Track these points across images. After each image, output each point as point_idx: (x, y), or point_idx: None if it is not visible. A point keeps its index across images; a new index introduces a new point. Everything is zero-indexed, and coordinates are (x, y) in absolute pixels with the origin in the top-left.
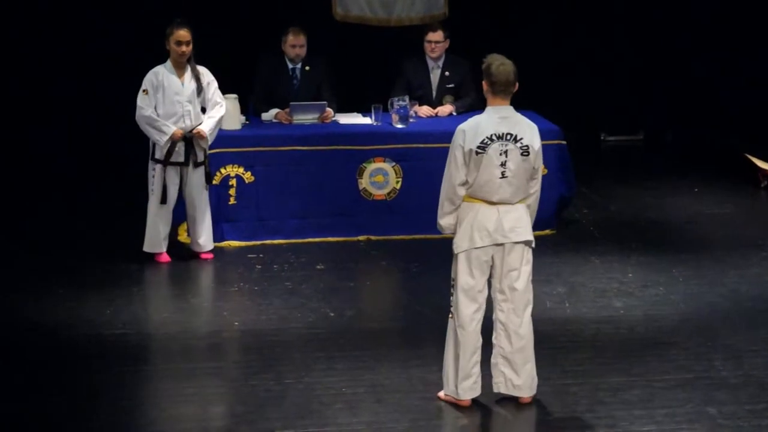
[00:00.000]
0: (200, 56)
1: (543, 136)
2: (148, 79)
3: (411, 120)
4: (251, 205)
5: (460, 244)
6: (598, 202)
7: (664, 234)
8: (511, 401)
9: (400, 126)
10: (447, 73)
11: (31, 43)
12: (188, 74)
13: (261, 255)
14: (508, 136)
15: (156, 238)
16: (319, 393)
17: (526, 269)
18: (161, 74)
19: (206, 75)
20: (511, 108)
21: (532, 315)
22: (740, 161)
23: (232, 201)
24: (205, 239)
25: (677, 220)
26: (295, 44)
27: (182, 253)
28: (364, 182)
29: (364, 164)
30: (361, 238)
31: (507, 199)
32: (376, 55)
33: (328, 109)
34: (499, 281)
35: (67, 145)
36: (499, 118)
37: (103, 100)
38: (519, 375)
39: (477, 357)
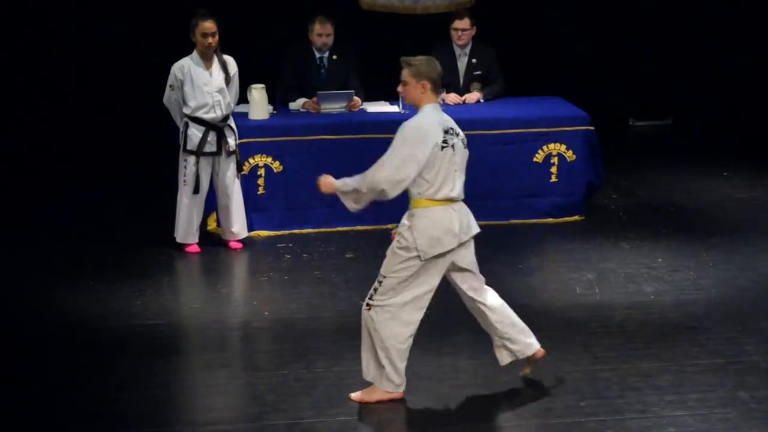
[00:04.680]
0: (228, 46)
1: (571, 122)
2: (173, 74)
3: None
4: (280, 194)
5: (427, 251)
6: (627, 188)
7: (693, 218)
8: (541, 386)
9: None
10: (474, 61)
11: (63, 28)
12: (216, 65)
13: (290, 244)
14: (452, 131)
15: (189, 228)
16: (349, 382)
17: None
18: (187, 67)
19: (233, 65)
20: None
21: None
22: None
23: (260, 191)
24: (238, 227)
25: (707, 205)
26: (321, 33)
27: (211, 243)
28: None
29: None
30: (389, 226)
31: (459, 193)
32: (402, 43)
33: (356, 98)
34: (463, 272)
35: (96, 135)
36: (439, 114)
37: (134, 88)
38: (515, 342)
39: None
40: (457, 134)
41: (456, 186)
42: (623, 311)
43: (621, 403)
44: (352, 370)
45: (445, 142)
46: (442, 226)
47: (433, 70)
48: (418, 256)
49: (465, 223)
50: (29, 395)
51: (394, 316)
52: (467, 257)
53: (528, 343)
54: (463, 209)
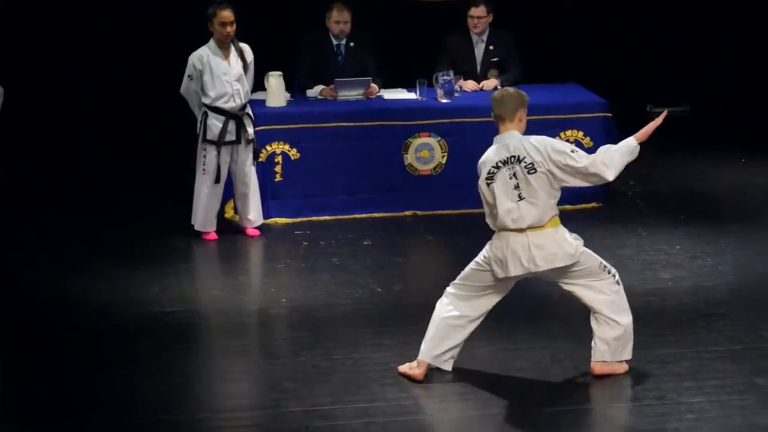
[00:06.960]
0: (245, 34)
1: (589, 109)
2: (191, 64)
3: (456, 94)
4: (297, 181)
5: (497, 271)
6: (645, 175)
7: (711, 205)
8: (560, 373)
9: (445, 101)
10: (491, 48)
11: (83, 20)
12: (233, 54)
13: (308, 231)
14: (513, 159)
15: (208, 217)
16: (367, 369)
17: (579, 272)
18: (206, 56)
19: (249, 53)
20: (515, 132)
21: None
22: None
23: (278, 178)
24: (255, 215)
25: (724, 191)
26: (339, 20)
27: (229, 230)
28: (409, 157)
29: (409, 139)
30: (407, 213)
31: (534, 222)
32: (420, 30)
33: (373, 85)
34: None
35: (114, 123)
36: (501, 146)
37: (150, 76)
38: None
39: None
40: (521, 160)
41: (514, 216)
42: (641, 298)
43: (639, 390)
44: (370, 357)
45: (490, 177)
46: (506, 252)
47: (501, 104)
48: (492, 272)
49: (530, 255)
50: (47, 382)
51: (451, 302)
52: (562, 278)
53: None
54: (530, 239)
